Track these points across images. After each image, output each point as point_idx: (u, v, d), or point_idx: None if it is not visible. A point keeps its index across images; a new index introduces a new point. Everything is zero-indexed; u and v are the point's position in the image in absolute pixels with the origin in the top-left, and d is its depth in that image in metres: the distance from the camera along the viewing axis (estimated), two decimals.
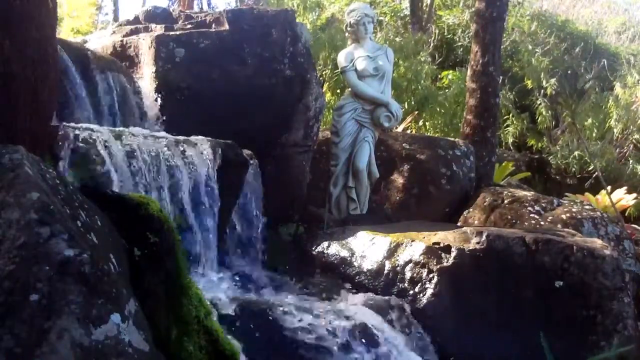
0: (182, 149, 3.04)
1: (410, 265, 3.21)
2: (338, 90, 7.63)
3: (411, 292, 3.14)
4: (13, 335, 1.30)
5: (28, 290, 1.35)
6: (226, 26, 4.00)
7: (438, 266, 3.13)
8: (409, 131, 7.33)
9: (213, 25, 4.08)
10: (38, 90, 2.12)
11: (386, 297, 3.11)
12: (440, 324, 3.04)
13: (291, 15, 4.23)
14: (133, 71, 3.96)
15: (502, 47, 5.97)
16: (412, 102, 8.07)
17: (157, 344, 1.64)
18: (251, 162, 3.52)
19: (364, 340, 2.62)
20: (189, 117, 3.76)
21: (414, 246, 3.27)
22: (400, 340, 2.80)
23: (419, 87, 8.16)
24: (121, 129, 3.04)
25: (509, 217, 4.62)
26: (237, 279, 3.26)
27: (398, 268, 3.23)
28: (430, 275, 3.13)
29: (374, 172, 4.53)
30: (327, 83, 7.73)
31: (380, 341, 2.68)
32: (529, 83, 9.17)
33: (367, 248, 3.42)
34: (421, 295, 3.11)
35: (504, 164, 6.91)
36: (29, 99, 2.08)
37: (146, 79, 3.86)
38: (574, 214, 4.55)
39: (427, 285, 3.12)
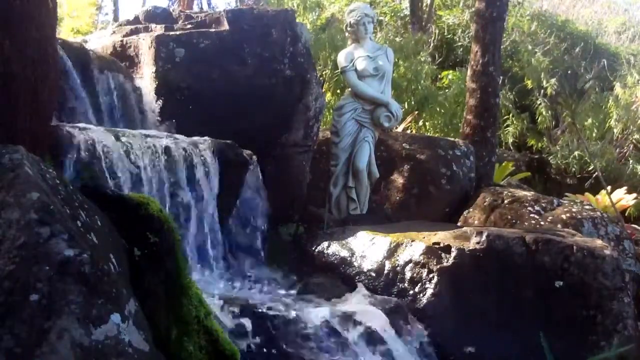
0: (182, 148, 3.04)
1: (410, 265, 3.20)
2: (338, 90, 7.62)
3: (411, 292, 3.14)
4: (13, 335, 1.30)
5: (28, 290, 1.35)
6: (226, 26, 4.00)
7: (438, 266, 3.13)
8: (409, 131, 7.32)
9: (213, 25, 4.08)
10: (38, 90, 2.13)
11: (386, 297, 3.11)
12: (440, 324, 3.03)
13: (291, 15, 4.23)
14: (133, 71, 3.96)
15: (502, 47, 5.97)
16: (412, 102, 8.07)
17: (157, 344, 1.64)
18: (251, 162, 3.52)
19: (364, 340, 2.63)
20: (189, 117, 3.77)
21: (414, 246, 3.26)
22: (400, 341, 2.80)
23: (419, 87, 8.16)
24: (121, 129, 3.05)
25: (509, 217, 4.62)
26: (237, 278, 3.26)
27: (398, 268, 3.22)
28: (430, 275, 3.13)
29: (374, 172, 4.52)
30: (327, 83, 7.73)
31: (380, 341, 2.68)
32: (529, 83, 9.16)
33: (367, 248, 3.42)
34: (421, 295, 3.11)
35: (504, 164, 6.90)
36: (29, 99, 2.08)
37: (146, 79, 3.86)
38: (574, 214, 4.55)
39: (427, 285, 3.12)
